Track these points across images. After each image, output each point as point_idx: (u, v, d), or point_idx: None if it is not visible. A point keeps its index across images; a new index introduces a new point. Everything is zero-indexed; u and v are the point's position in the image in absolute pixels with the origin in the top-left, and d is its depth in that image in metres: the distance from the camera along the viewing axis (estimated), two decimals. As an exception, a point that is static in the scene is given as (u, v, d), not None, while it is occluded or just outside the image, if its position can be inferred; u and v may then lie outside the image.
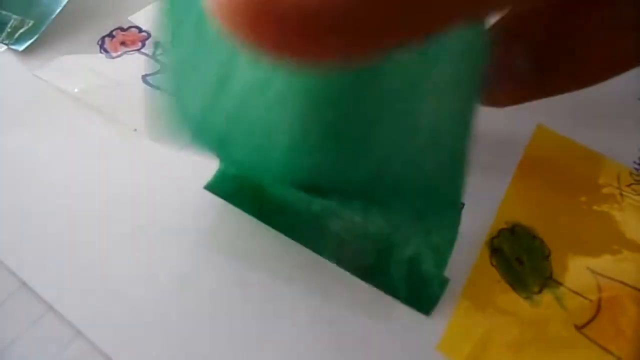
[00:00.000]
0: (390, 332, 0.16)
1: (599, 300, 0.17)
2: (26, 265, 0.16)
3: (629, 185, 0.21)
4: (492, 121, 0.19)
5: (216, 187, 0.19)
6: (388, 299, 0.16)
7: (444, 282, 0.16)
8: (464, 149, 0.13)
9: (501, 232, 0.19)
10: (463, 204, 0.19)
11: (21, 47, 0.24)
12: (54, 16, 0.24)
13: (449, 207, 0.17)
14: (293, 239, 0.17)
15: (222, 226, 0.18)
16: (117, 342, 0.15)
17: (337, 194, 0.17)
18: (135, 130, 0.21)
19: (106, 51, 0.24)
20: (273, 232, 0.18)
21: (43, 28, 0.24)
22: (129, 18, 0.26)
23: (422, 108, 0.13)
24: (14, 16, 0.25)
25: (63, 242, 0.17)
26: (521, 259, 0.18)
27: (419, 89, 0.13)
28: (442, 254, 0.17)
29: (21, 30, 0.24)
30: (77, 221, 0.17)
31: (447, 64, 0.12)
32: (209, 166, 0.19)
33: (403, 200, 0.17)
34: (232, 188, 0.19)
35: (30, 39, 0.24)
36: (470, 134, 0.13)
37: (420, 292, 0.16)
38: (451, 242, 0.17)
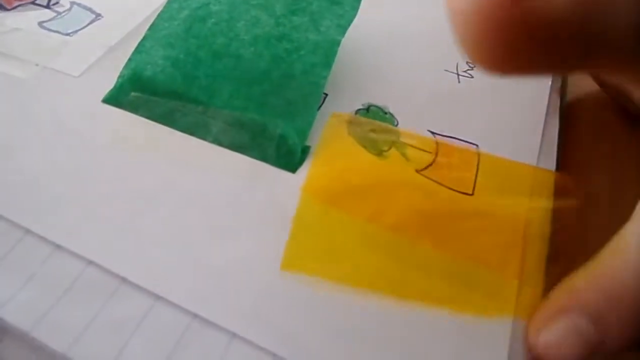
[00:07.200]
0: (265, 185, 0.19)
1: (437, 152, 0.22)
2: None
3: (465, 71, 0.26)
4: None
5: (114, 100, 0.22)
6: (262, 165, 0.20)
7: (305, 149, 0.21)
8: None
9: (358, 111, 0.23)
10: (326, 94, 0.23)
11: None
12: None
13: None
14: (182, 131, 0.21)
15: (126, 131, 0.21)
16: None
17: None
18: (37, 65, 0.23)
19: (1, 6, 0.26)
20: (165, 128, 0.21)
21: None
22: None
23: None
24: None
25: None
26: (374, 129, 0.22)
27: None
28: (304, 131, 0.21)
29: None
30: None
31: None
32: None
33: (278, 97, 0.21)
34: (130, 100, 0.22)
35: None
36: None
37: (287, 157, 0.20)
38: (310, 122, 0.21)
